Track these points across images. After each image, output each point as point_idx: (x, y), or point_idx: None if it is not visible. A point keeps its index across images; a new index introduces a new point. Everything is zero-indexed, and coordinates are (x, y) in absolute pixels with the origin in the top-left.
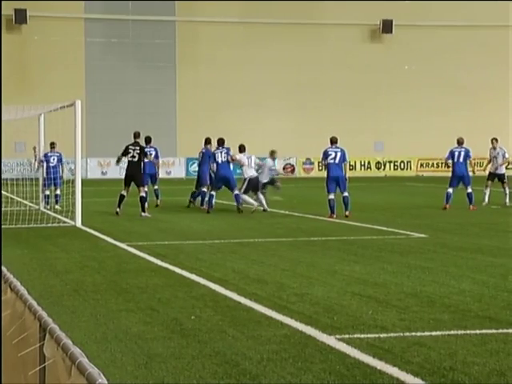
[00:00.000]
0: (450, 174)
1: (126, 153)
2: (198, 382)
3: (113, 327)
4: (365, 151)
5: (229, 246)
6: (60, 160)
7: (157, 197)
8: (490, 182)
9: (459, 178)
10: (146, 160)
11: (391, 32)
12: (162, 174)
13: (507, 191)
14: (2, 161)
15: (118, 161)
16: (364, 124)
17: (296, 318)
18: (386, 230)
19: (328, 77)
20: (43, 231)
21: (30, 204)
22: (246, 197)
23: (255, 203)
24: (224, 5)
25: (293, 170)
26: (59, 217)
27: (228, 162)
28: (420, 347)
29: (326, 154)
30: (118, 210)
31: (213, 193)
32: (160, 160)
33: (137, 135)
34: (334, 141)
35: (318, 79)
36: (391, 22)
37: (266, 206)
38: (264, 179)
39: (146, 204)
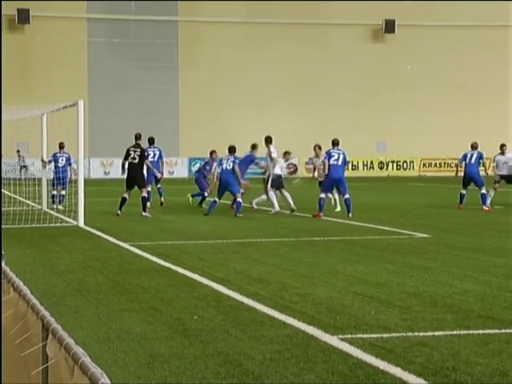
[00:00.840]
0: (452, 174)
1: (127, 156)
2: (201, 382)
3: (115, 327)
4: (367, 151)
5: (231, 246)
6: (68, 160)
7: (160, 195)
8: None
9: (470, 178)
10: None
11: (394, 32)
12: (164, 174)
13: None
14: (5, 161)
15: (123, 167)
16: (366, 124)
17: (298, 317)
18: (388, 230)
19: (330, 77)
20: (46, 231)
21: (33, 204)
22: (273, 197)
23: (277, 208)
24: (226, 5)
25: (295, 170)
26: (62, 217)
27: (232, 169)
28: (422, 347)
29: (329, 155)
30: (119, 212)
31: (216, 199)
32: (164, 160)
33: (138, 137)
34: (336, 143)
35: (319, 79)
36: (394, 21)
37: (292, 204)
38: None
39: (149, 204)
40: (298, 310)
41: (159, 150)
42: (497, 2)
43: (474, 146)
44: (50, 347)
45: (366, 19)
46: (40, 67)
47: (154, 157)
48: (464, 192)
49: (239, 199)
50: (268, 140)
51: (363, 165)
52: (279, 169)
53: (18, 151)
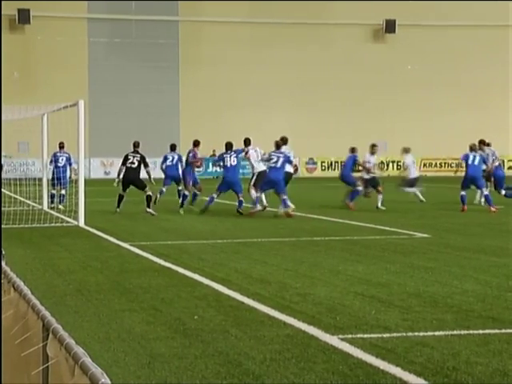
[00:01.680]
0: (452, 174)
1: (125, 161)
2: (201, 382)
3: (116, 327)
4: (368, 151)
5: (232, 246)
6: (68, 160)
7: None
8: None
9: (471, 179)
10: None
11: (394, 32)
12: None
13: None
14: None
15: (120, 173)
16: (367, 124)
17: (299, 317)
18: (388, 230)
19: (331, 77)
20: (46, 231)
21: (33, 204)
22: (254, 196)
23: (259, 207)
24: (227, 5)
25: (296, 170)
26: (62, 216)
27: (237, 165)
28: (423, 347)
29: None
30: (117, 209)
31: (214, 195)
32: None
33: (136, 145)
34: (279, 145)
35: (320, 79)
36: (394, 21)
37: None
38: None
39: (155, 199)
40: (299, 310)
41: (178, 156)
42: (497, 2)
43: (472, 149)
44: (50, 347)
45: (366, 19)
46: (40, 67)
47: (172, 161)
48: (464, 193)
49: (241, 198)
50: (246, 142)
51: None
52: (263, 165)
53: None
